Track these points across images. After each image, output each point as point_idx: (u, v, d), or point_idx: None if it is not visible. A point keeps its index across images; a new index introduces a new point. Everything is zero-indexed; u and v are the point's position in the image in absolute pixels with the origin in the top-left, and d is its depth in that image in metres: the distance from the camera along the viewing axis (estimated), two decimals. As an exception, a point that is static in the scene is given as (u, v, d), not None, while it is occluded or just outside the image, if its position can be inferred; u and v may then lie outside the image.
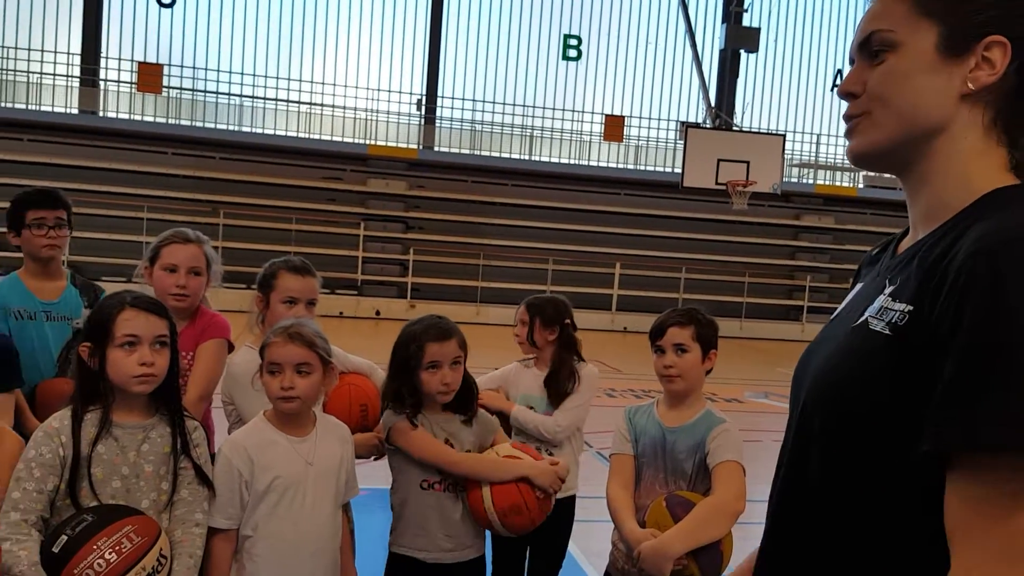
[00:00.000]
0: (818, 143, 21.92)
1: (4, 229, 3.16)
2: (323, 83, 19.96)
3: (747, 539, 1.38)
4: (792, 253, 20.55)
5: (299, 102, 19.77)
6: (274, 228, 17.60)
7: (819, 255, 20.37)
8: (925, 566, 0.99)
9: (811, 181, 21.51)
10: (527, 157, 20.33)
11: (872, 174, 18.24)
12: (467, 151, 20.15)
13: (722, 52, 20.79)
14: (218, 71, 19.54)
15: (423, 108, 20.28)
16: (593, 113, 21.04)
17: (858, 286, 1.25)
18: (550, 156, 20.66)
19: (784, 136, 14.96)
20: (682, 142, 14.58)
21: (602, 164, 20.77)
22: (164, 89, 18.60)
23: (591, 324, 15.06)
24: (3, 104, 17.94)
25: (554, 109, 21.01)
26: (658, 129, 21.38)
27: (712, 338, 2.55)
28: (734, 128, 17.10)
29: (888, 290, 1.09)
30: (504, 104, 20.81)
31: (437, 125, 20.48)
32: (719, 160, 13.64)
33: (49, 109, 18.15)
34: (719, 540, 2.33)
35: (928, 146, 1.10)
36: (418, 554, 2.49)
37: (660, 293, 17.93)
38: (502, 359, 3.47)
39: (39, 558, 1.90)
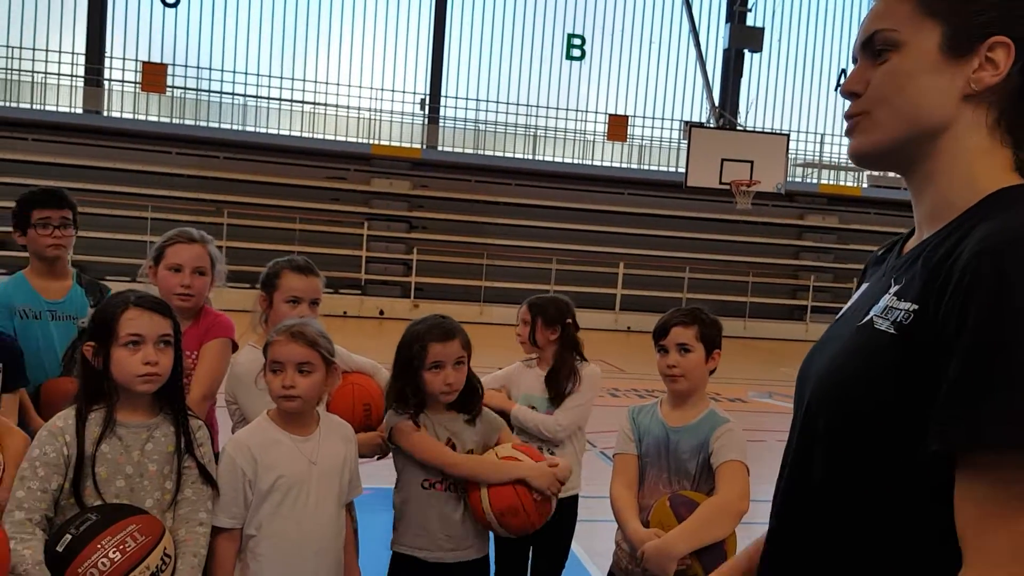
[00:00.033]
0: (822, 143, 21.92)
1: (10, 228, 3.17)
2: (327, 83, 19.99)
3: (751, 539, 1.38)
4: (796, 253, 20.51)
5: (303, 102, 19.80)
6: (278, 228, 17.60)
7: (823, 255, 20.33)
8: (930, 566, 0.98)
9: (815, 181, 21.49)
10: (531, 157, 20.33)
11: (876, 173, 18.24)
12: (471, 151, 20.14)
13: (726, 52, 20.76)
14: (222, 71, 19.58)
15: (427, 108, 20.27)
16: (597, 113, 21.02)
17: (864, 286, 1.25)
18: (554, 156, 20.65)
19: (788, 136, 14.96)
20: (686, 142, 14.58)
21: (606, 164, 20.76)
22: (168, 89, 18.62)
23: (595, 324, 15.05)
24: (8, 104, 17.97)
25: (558, 109, 21.00)
26: (662, 129, 21.37)
27: (716, 338, 2.54)
28: (738, 128, 17.07)
29: (893, 289, 1.09)
30: (508, 104, 20.80)
31: (441, 125, 20.47)
32: (723, 160, 13.64)
33: (54, 109, 18.18)
34: (723, 540, 2.32)
35: (932, 146, 1.09)
36: (419, 553, 2.49)
37: (664, 293, 17.88)
38: (506, 359, 3.47)
39: (43, 557, 1.90)
